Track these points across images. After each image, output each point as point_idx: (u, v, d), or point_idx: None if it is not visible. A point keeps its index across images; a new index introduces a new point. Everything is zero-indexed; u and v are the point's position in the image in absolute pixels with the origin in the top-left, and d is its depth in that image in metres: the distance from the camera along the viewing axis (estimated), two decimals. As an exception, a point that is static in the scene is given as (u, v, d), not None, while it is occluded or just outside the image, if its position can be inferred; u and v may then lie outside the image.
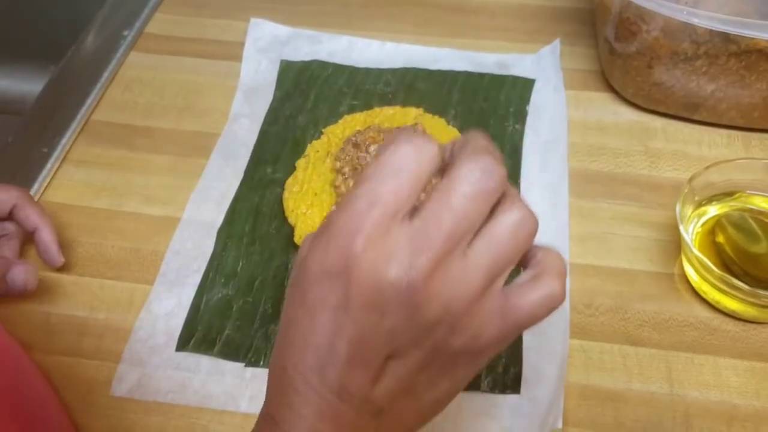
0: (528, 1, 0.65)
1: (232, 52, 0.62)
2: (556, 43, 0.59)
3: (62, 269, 0.47)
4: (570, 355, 0.42)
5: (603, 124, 0.55)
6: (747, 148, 0.53)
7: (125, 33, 0.64)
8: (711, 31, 0.46)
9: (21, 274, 0.43)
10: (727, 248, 0.44)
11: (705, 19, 0.45)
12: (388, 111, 0.56)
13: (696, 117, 0.53)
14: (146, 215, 0.51)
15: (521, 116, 0.55)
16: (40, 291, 0.46)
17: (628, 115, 0.55)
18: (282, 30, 0.63)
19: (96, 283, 0.47)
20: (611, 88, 0.57)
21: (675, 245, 0.47)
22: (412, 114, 0.55)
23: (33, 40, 0.76)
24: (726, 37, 0.47)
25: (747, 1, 0.46)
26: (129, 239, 0.49)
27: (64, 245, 0.48)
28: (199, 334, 0.44)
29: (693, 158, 0.52)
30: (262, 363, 0.42)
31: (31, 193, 0.51)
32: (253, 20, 0.63)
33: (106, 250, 0.49)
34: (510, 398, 0.41)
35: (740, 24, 0.44)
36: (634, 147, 0.53)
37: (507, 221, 0.26)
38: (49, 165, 0.53)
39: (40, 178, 0.53)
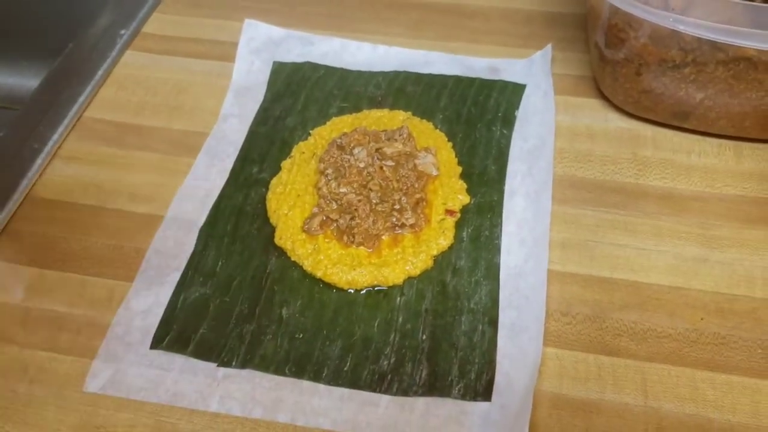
0: (523, 6, 0.65)
1: (226, 52, 0.62)
2: (548, 48, 0.59)
3: (46, 264, 0.48)
4: (544, 363, 0.42)
5: (592, 130, 0.54)
6: (738, 157, 0.52)
7: (122, 32, 0.65)
8: (699, 38, 0.45)
9: None
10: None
11: (692, 27, 0.44)
12: (376, 114, 0.56)
13: (686, 125, 0.53)
14: (131, 213, 0.51)
15: (509, 121, 0.55)
16: (21, 285, 0.46)
17: (617, 122, 0.55)
18: (276, 31, 0.63)
19: (77, 279, 0.47)
20: (602, 95, 0.56)
21: (657, 254, 0.47)
22: (399, 117, 0.55)
23: (35, 37, 0.77)
24: (714, 45, 0.46)
25: (736, 8, 0.45)
26: (113, 236, 0.49)
27: (49, 241, 0.49)
28: (174, 333, 0.44)
29: (681, 167, 0.52)
30: (234, 363, 0.42)
31: (20, 188, 0.52)
32: (247, 21, 0.63)
33: (89, 246, 0.49)
34: (480, 405, 0.40)
35: (727, 32, 0.44)
36: (622, 154, 0.53)
37: None
38: (39, 160, 0.54)
39: (29, 174, 0.53)
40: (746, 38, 0.43)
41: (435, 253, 0.47)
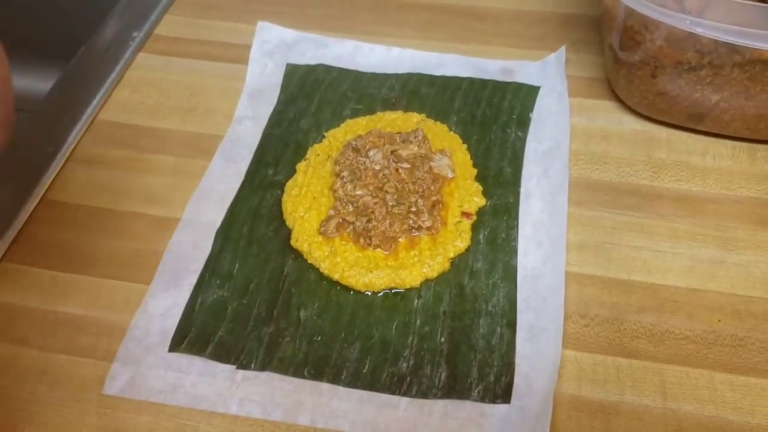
0: (535, 8, 0.65)
1: (239, 54, 0.62)
2: (562, 50, 0.59)
3: (62, 267, 0.48)
4: (562, 365, 0.42)
5: (607, 132, 0.55)
6: (752, 160, 0.52)
7: (135, 34, 0.65)
8: (715, 41, 0.46)
9: None
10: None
11: (708, 29, 0.44)
12: (391, 116, 0.56)
13: (701, 127, 0.53)
14: (147, 215, 0.51)
15: (524, 123, 0.55)
16: (38, 288, 0.47)
17: (632, 124, 0.55)
18: (288, 34, 0.63)
19: (94, 281, 0.47)
20: (616, 97, 0.56)
21: (674, 256, 0.47)
22: (414, 119, 0.55)
23: (47, 40, 0.78)
24: (731, 47, 0.46)
25: (753, 10, 0.45)
26: (129, 239, 0.50)
27: (65, 244, 0.49)
28: (193, 335, 0.44)
29: (696, 169, 0.52)
30: (252, 366, 0.42)
31: (35, 191, 0.52)
32: (260, 23, 0.63)
33: (105, 249, 0.49)
34: (500, 408, 0.40)
35: (744, 34, 0.44)
36: (637, 156, 0.53)
37: None
38: (54, 163, 0.54)
39: (44, 177, 0.53)
40: (763, 40, 0.44)
41: (452, 255, 0.47)
